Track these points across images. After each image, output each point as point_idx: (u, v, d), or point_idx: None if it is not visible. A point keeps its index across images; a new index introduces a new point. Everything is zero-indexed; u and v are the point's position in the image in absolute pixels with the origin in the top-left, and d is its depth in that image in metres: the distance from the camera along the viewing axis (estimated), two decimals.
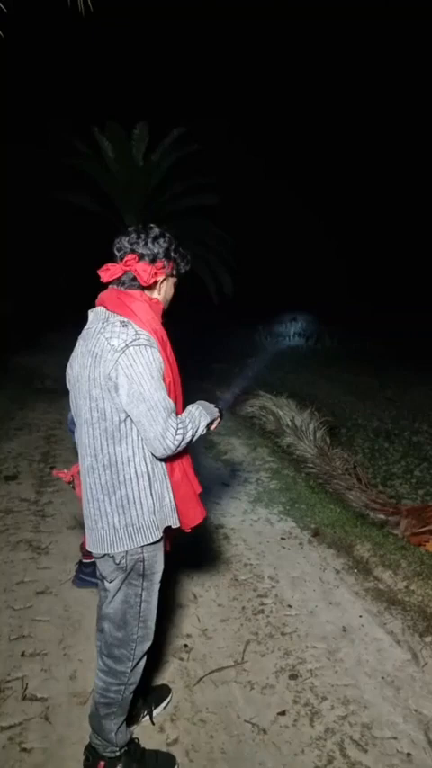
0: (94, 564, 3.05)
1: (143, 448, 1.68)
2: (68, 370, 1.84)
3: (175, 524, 1.79)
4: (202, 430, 1.78)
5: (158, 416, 1.60)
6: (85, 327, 1.78)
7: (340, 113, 19.99)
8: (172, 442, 1.63)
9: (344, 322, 15.37)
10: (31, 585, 3.05)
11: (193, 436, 1.73)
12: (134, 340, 1.60)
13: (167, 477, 1.76)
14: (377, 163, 19.69)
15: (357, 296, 18.04)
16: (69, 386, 1.83)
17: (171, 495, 1.77)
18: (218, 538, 3.58)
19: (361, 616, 2.82)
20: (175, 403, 1.71)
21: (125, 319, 1.65)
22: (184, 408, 1.81)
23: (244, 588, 3.04)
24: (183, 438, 1.66)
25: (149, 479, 1.70)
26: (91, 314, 1.78)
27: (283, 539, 3.62)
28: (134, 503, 1.69)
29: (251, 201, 17.35)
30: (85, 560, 3.07)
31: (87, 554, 3.06)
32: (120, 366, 1.59)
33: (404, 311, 16.47)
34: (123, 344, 1.59)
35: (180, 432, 1.64)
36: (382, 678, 2.40)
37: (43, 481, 4.57)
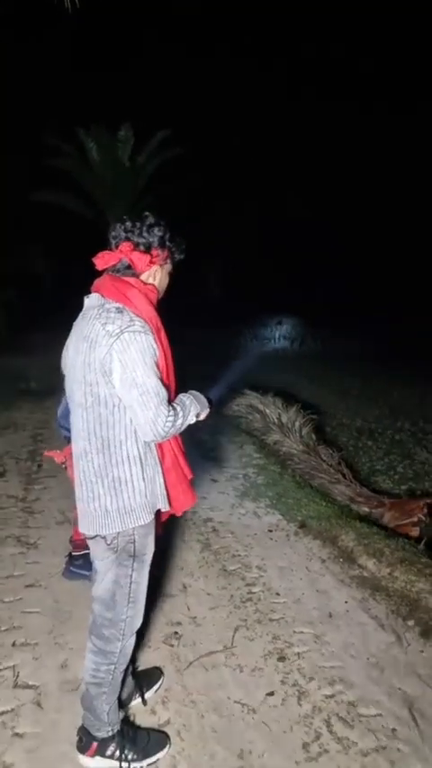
0: (83, 556, 3.09)
1: (135, 432, 1.72)
2: (64, 354, 1.88)
3: (165, 508, 1.84)
4: (191, 419, 1.83)
5: (150, 402, 1.65)
6: (81, 313, 1.83)
7: (331, 117, 20.19)
8: (162, 428, 1.68)
9: (328, 324, 15.53)
10: (20, 579, 3.07)
11: (182, 424, 1.79)
12: (129, 326, 1.65)
13: (159, 461, 1.81)
14: (367, 171, 19.93)
15: (342, 300, 18.24)
16: (65, 371, 1.88)
17: (162, 479, 1.82)
18: (206, 531, 3.63)
19: (346, 602, 2.90)
20: (168, 390, 1.76)
21: (120, 306, 1.71)
22: (176, 396, 1.87)
23: (232, 578, 3.10)
24: (173, 425, 1.72)
25: (141, 463, 1.75)
26: (86, 300, 1.83)
27: (270, 531, 3.68)
28: (126, 485, 1.74)
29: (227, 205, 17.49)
30: (74, 553, 3.10)
31: (77, 546, 3.10)
32: (114, 351, 1.64)
33: (387, 314, 16.69)
34: (118, 330, 1.64)
35: (170, 418, 1.70)
36: (367, 659, 2.47)
37: (31, 479, 4.58)
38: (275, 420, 5.47)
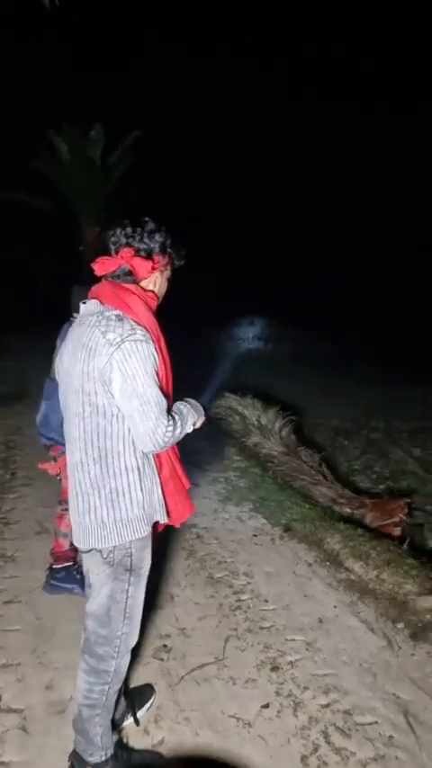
0: (65, 569, 2.99)
1: (134, 442, 1.66)
2: (57, 362, 1.81)
3: (164, 519, 1.77)
4: (189, 428, 1.77)
5: (150, 412, 1.59)
6: (77, 321, 1.75)
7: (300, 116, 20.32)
8: (162, 439, 1.62)
9: (300, 325, 15.62)
10: None
11: (181, 433, 1.72)
12: (130, 335, 1.59)
13: (157, 471, 1.74)
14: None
15: (313, 299, 18.38)
16: (58, 378, 1.80)
17: (160, 489, 1.75)
18: (191, 537, 3.56)
19: (335, 606, 2.87)
20: (168, 399, 1.70)
21: (121, 313, 1.64)
22: (173, 404, 1.80)
23: (220, 586, 3.04)
24: (172, 435, 1.65)
25: (139, 474, 1.68)
26: (83, 306, 1.74)
27: (254, 535, 3.64)
28: (123, 496, 1.67)
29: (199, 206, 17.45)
30: (55, 566, 2.99)
31: (58, 559, 2.99)
32: (114, 360, 1.57)
33: (358, 314, 16.89)
34: (119, 339, 1.58)
35: (170, 428, 1.63)
36: (360, 665, 2.45)
37: (5, 488, 4.43)
38: (255, 422, 5.43)
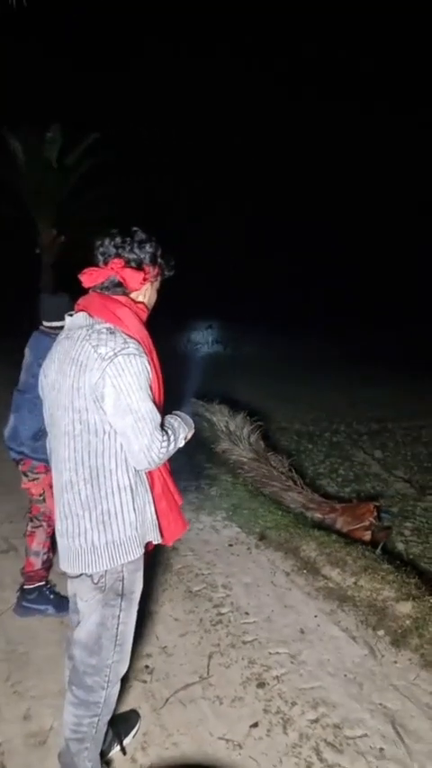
0: (37, 589, 2.85)
1: (126, 460, 1.57)
2: (41, 378, 1.70)
3: (157, 539, 1.69)
4: (181, 442, 1.70)
5: (145, 428, 1.51)
6: (63, 334, 1.66)
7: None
8: (157, 455, 1.54)
9: (260, 327, 15.73)
10: None
11: (174, 449, 1.65)
12: (123, 349, 1.51)
13: (149, 489, 1.66)
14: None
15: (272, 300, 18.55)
16: (43, 395, 1.69)
17: (153, 508, 1.67)
18: (166, 550, 3.47)
19: (316, 616, 2.85)
20: (161, 413, 1.62)
21: (112, 326, 1.55)
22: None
23: (199, 599, 2.96)
24: (167, 451, 1.58)
25: (132, 493, 1.60)
26: (69, 319, 1.65)
27: (230, 545, 3.58)
28: (116, 518, 1.58)
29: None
30: (27, 586, 2.85)
31: (30, 579, 2.85)
32: (107, 376, 1.49)
33: (319, 316, 17.17)
34: (112, 353, 1.49)
35: (165, 444, 1.56)
36: (345, 676, 2.43)
37: None
38: (223, 428, 5.39)
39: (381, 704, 2.27)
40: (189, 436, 1.77)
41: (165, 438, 1.57)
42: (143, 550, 1.67)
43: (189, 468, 4.86)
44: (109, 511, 1.57)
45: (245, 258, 20.08)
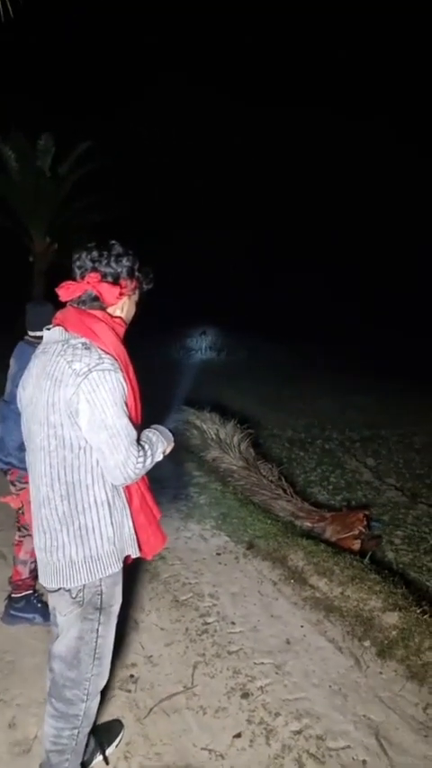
0: (25, 598, 2.84)
1: (102, 475, 1.58)
2: (20, 392, 1.70)
3: (135, 554, 1.70)
4: (159, 456, 1.70)
5: (120, 444, 1.52)
6: (41, 348, 1.66)
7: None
8: (133, 471, 1.55)
9: (253, 334, 15.76)
10: None
11: (151, 463, 1.66)
12: (97, 364, 1.51)
13: (127, 503, 1.67)
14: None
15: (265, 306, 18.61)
16: (21, 408, 1.70)
17: (131, 522, 1.68)
18: (153, 559, 3.46)
19: (302, 626, 2.85)
20: (136, 428, 1.63)
21: (87, 341, 1.56)
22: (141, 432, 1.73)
23: (185, 609, 2.97)
24: (143, 466, 1.59)
25: (109, 507, 1.61)
26: (46, 334, 1.65)
27: (218, 554, 3.59)
28: (93, 532, 1.59)
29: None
30: (14, 594, 2.84)
31: (17, 588, 2.84)
32: (81, 392, 1.49)
33: (310, 323, 17.21)
34: (86, 369, 1.50)
35: (140, 459, 1.57)
36: (330, 687, 2.43)
37: None
38: (213, 436, 5.40)
39: (365, 716, 2.28)
40: (168, 450, 1.78)
41: (141, 453, 1.58)
42: (121, 565, 1.68)
43: (178, 477, 4.87)
44: (86, 526, 1.58)
45: (238, 265, 20.18)
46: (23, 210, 10.77)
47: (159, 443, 1.72)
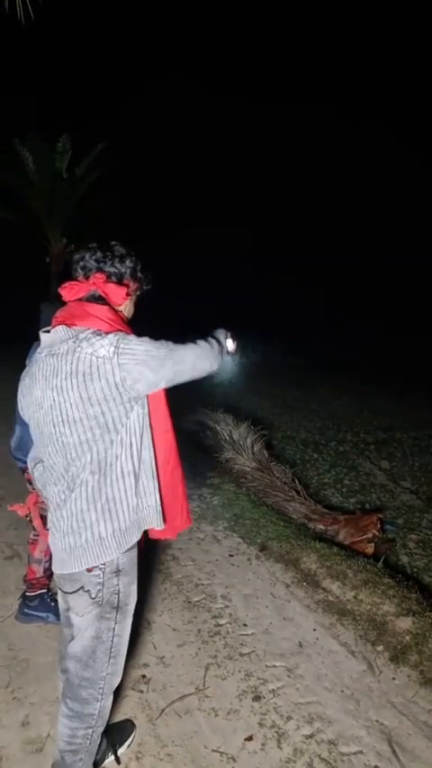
0: (39, 596, 2.87)
1: (131, 445, 1.60)
2: (20, 398, 1.71)
3: (160, 525, 1.70)
4: (222, 336, 1.82)
5: (187, 356, 1.62)
6: (45, 351, 1.64)
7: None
8: (209, 354, 1.69)
9: (266, 336, 15.73)
10: None
11: (222, 350, 1.77)
12: (119, 339, 1.55)
13: (155, 475, 1.68)
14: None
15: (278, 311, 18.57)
16: (27, 413, 1.70)
17: (158, 494, 1.68)
18: (166, 559, 3.48)
19: (315, 630, 2.84)
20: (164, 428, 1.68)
21: (98, 330, 1.58)
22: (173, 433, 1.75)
23: (198, 610, 2.97)
24: (217, 356, 1.73)
25: (135, 478, 1.63)
26: (48, 337, 1.64)
27: (231, 555, 3.59)
28: (121, 503, 1.61)
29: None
30: (29, 593, 2.87)
31: (32, 586, 2.87)
32: (123, 366, 1.53)
33: (323, 324, 17.13)
34: (113, 348, 1.53)
35: (205, 345, 1.70)
36: (342, 691, 2.42)
37: None
38: (227, 437, 5.40)
39: (377, 721, 2.27)
40: (229, 336, 1.87)
41: (202, 343, 1.69)
42: (140, 536, 1.69)
43: (192, 477, 4.88)
44: (114, 497, 1.60)
45: (249, 264, 20.19)
46: (41, 212, 10.90)
47: (217, 333, 1.83)
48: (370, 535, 4.01)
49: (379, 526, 4.09)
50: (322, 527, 4.22)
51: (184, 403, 6.43)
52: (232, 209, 20.53)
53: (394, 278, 19.43)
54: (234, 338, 1.90)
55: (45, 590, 2.89)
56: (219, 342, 1.77)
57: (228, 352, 1.84)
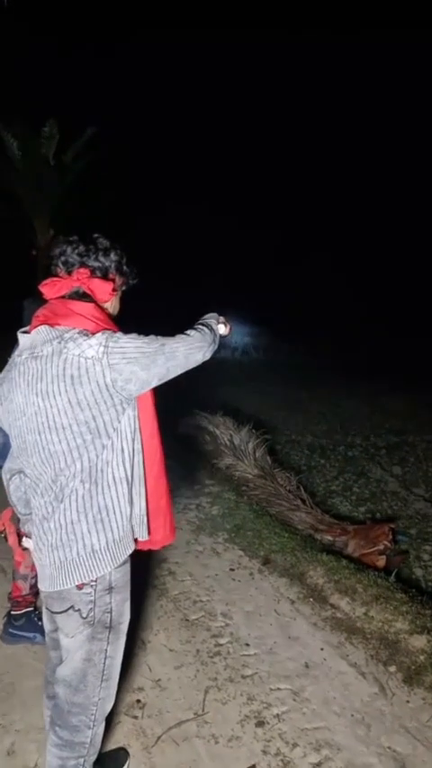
0: (25, 615, 2.86)
1: (122, 450, 1.60)
2: (6, 407, 1.68)
3: (144, 536, 1.70)
4: (213, 322, 1.81)
5: (179, 349, 1.61)
6: (26, 354, 1.62)
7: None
8: (201, 343, 1.67)
9: (269, 333, 15.76)
10: None
11: (214, 337, 1.75)
12: (107, 338, 1.54)
13: (143, 481, 1.68)
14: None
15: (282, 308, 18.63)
16: (7, 422, 1.68)
17: (144, 503, 1.68)
18: (162, 574, 3.48)
19: (322, 649, 2.83)
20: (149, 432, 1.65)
21: (84, 330, 1.57)
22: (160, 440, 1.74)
23: (196, 629, 2.96)
24: (209, 344, 1.70)
25: (128, 484, 1.63)
26: (28, 338, 1.62)
27: (231, 569, 3.58)
28: (114, 513, 1.61)
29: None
30: (14, 612, 2.86)
31: (17, 605, 2.86)
32: (113, 366, 1.52)
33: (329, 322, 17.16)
34: (102, 348, 1.52)
35: (196, 335, 1.68)
36: (352, 716, 2.41)
37: None
38: (227, 442, 5.39)
39: (390, 747, 2.26)
40: (221, 321, 1.87)
41: (193, 333, 1.68)
42: (133, 548, 1.70)
43: (189, 485, 4.88)
44: (106, 506, 1.59)
45: (255, 260, 20.29)
46: (26, 201, 10.89)
47: (207, 318, 1.83)
48: (381, 547, 4.00)
49: (391, 537, 4.08)
50: (330, 538, 4.21)
51: (181, 405, 6.43)
52: (254, 208, 20.80)
53: (413, 275, 19.52)
54: (226, 322, 1.90)
55: (31, 608, 2.88)
56: (210, 328, 1.76)
57: (221, 337, 1.83)
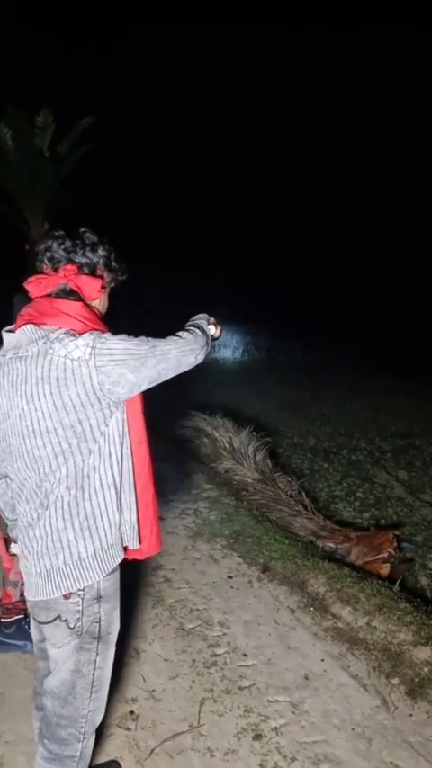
0: (16, 623, 2.87)
1: (110, 455, 1.61)
2: None
3: (134, 545, 1.71)
4: (203, 322, 1.81)
5: (169, 352, 1.60)
6: (10, 354, 1.61)
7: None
8: (201, 354, 1.69)
9: (271, 332, 15.77)
10: None
11: (207, 339, 1.74)
12: (94, 339, 1.54)
13: (133, 488, 1.69)
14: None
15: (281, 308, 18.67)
16: None
17: (135, 510, 1.70)
18: (157, 581, 3.49)
19: (323, 660, 2.84)
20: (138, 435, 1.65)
21: (71, 330, 1.57)
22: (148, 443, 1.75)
23: (192, 638, 2.97)
24: (201, 348, 1.70)
25: (116, 490, 1.64)
26: (13, 338, 1.61)
27: (230, 577, 3.59)
28: (101, 520, 1.62)
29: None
30: (4, 619, 2.88)
31: (7, 611, 2.87)
32: (101, 368, 1.52)
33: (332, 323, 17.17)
34: (89, 348, 1.52)
35: (189, 336, 1.68)
36: (352, 729, 2.42)
37: None
38: (226, 445, 5.40)
39: (392, 763, 2.27)
40: (212, 321, 1.87)
41: (185, 335, 1.68)
42: (123, 556, 1.71)
43: (186, 490, 4.89)
44: (93, 513, 1.60)
45: (255, 258, 20.41)
46: (20, 193, 10.90)
47: (198, 319, 1.83)
48: (385, 554, 4.01)
49: (395, 544, 4.09)
50: (332, 545, 4.22)
51: (178, 406, 6.45)
52: (252, 206, 20.94)
53: (413, 274, 19.59)
54: (217, 323, 1.90)
55: (22, 615, 2.89)
56: (202, 330, 1.76)
57: (213, 339, 1.84)
